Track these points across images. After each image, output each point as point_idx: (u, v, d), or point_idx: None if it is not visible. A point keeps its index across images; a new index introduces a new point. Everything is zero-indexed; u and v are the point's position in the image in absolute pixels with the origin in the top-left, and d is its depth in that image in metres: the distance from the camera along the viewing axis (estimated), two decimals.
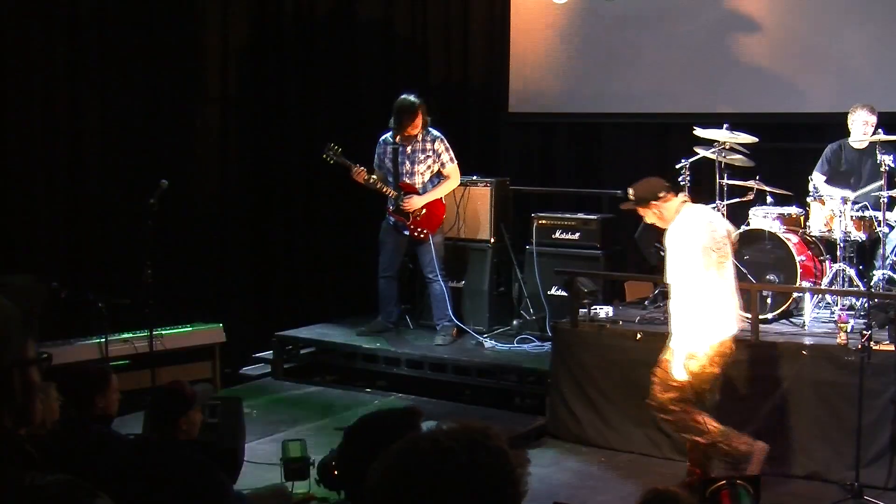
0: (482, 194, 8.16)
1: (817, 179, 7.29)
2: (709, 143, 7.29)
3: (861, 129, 7.23)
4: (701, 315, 5.28)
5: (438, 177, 7.73)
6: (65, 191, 7.28)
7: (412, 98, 7.52)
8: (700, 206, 5.62)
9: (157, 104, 7.72)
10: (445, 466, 1.68)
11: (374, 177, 7.58)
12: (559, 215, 8.10)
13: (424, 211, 7.66)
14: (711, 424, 5.38)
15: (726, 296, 5.38)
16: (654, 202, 5.42)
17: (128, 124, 7.56)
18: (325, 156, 7.53)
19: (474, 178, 8.24)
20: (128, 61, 7.53)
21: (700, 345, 5.32)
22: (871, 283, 6.45)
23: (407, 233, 7.70)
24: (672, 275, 5.34)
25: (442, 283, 7.75)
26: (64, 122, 7.25)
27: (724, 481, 4.56)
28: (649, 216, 5.52)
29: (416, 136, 7.56)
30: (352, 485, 2.71)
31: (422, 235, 7.68)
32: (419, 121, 7.51)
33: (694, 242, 5.25)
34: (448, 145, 7.66)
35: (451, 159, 7.66)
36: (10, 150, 6.94)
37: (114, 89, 7.46)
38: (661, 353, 5.49)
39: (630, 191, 5.57)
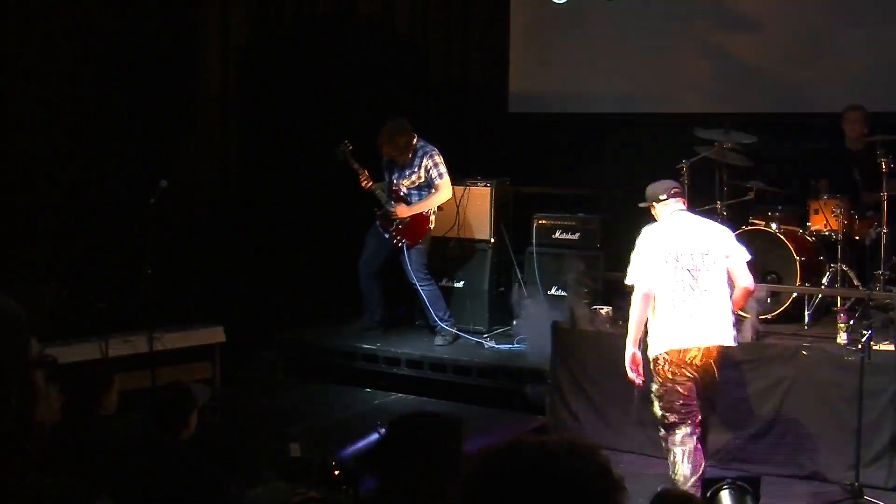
0: (482, 194, 8.16)
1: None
2: (709, 143, 7.30)
3: (848, 127, 7.27)
4: (656, 322, 5.20)
5: (429, 189, 7.75)
6: (65, 191, 7.28)
7: (387, 126, 7.58)
8: (693, 216, 5.50)
9: (157, 104, 7.71)
10: (547, 470, 1.69)
11: (375, 185, 7.66)
12: (559, 215, 8.09)
13: (408, 220, 7.69)
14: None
15: (687, 308, 5.18)
16: (654, 203, 5.45)
17: (127, 124, 7.55)
18: (335, 152, 7.57)
19: (474, 178, 8.24)
20: (128, 61, 7.53)
21: (658, 351, 5.23)
22: (871, 284, 6.45)
23: (387, 236, 7.76)
24: (629, 276, 5.34)
25: (428, 288, 7.78)
26: (64, 122, 7.24)
27: (724, 481, 4.57)
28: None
29: (406, 153, 7.62)
30: (385, 475, 2.69)
31: (400, 245, 7.71)
32: (391, 147, 7.57)
33: (651, 248, 5.24)
34: (439, 160, 7.66)
35: (440, 175, 7.66)
36: (11, 150, 6.93)
37: (114, 89, 7.46)
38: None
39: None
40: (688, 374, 5.21)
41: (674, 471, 5.26)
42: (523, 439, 1.77)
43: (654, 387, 5.31)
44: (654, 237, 5.31)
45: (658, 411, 5.32)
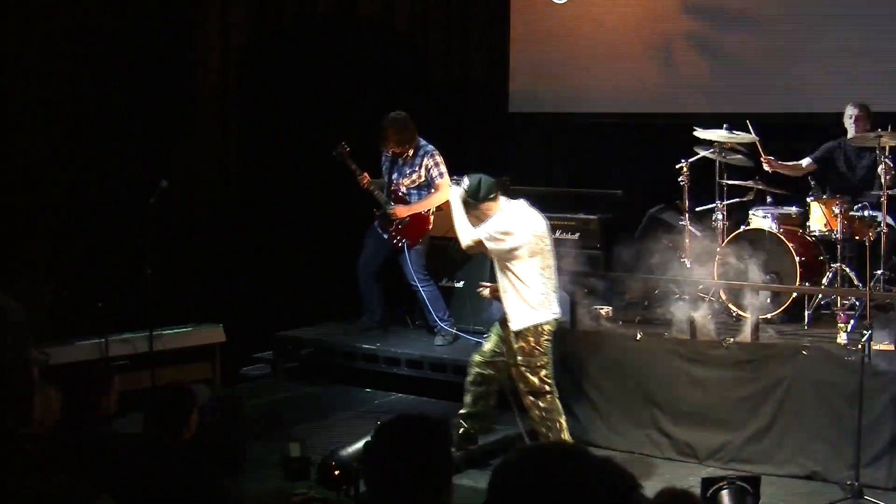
0: None
1: (804, 162, 7.41)
2: (709, 143, 7.30)
3: (847, 123, 7.27)
4: (530, 299, 5.65)
5: (429, 189, 7.74)
6: (65, 191, 7.28)
7: (391, 116, 7.56)
8: (520, 201, 5.82)
9: (157, 104, 7.72)
10: (577, 469, 1.72)
11: (373, 184, 7.64)
12: (559, 215, 8.09)
13: (408, 220, 7.68)
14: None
15: (548, 282, 5.72)
16: (485, 202, 5.72)
17: (127, 124, 7.56)
18: (333, 153, 7.56)
19: None
20: (128, 61, 7.53)
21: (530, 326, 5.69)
22: (871, 283, 6.45)
23: (386, 237, 7.75)
24: (499, 264, 5.70)
25: (428, 288, 7.77)
26: (64, 122, 7.25)
27: (724, 481, 4.57)
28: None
29: (407, 149, 7.59)
30: (370, 477, 2.69)
31: (399, 245, 7.71)
32: (394, 140, 7.54)
33: (521, 233, 5.60)
34: (439, 160, 7.64)
35: (441, 174, 7.64)
36: (11, 150, 6.94)
37: (113, 89, 7.46)
38: (511, 343, 5.78)
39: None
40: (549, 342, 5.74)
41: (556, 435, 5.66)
42: (559, 441, 1.82)
43: (537, 358, 5.69)
44: (523, 219, 5.66)
45: (537, 383, 5.71)
